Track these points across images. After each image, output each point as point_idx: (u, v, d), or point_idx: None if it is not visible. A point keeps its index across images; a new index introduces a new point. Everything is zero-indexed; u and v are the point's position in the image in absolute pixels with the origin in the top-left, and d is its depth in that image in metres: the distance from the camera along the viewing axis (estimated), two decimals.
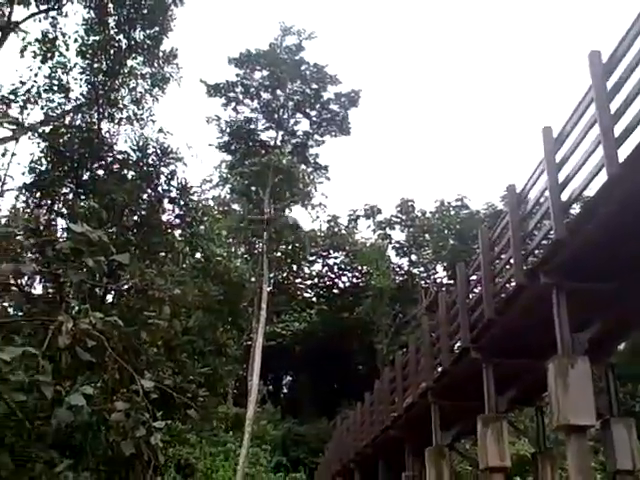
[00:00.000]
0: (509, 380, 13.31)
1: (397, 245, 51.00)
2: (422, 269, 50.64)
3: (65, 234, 20.98)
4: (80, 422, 18.18)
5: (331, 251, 51.89)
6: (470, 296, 14.29)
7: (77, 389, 16.00)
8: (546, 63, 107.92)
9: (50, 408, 16.65)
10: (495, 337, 12.43)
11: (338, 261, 52.66)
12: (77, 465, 15.22)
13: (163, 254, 20.69)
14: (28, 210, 21.64)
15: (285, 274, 49.25)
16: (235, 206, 39.09)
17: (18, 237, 18.81)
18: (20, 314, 26.04)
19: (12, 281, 19.22)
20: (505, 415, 13.27)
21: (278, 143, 39.26)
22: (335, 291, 52.37)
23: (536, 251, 11.55)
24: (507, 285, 12.34)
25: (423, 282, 49.03)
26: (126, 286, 20.14)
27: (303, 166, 37.95)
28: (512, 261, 11.49)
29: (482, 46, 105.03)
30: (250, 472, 29.72)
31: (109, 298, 20.04)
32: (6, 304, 22.02)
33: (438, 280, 48.84)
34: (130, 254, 16.43)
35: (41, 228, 19.91)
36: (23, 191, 22.21)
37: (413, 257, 50.77)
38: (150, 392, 20.41)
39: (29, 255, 17.85)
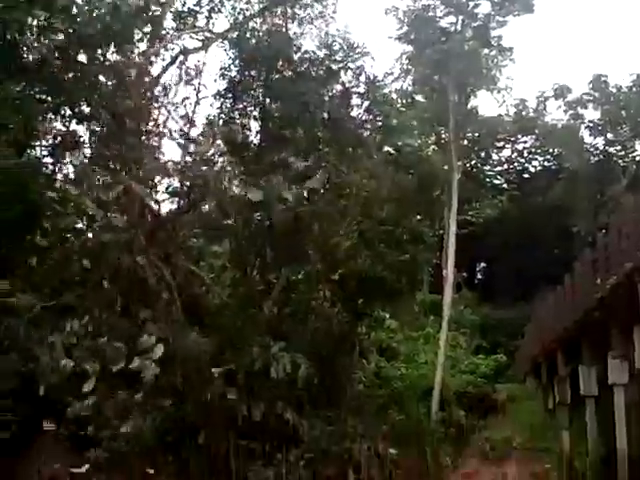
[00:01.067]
0: None
1: (590, 124, 48.31)
2: (619, 148, 47.75)
3: (259, 136, 22.06)
4: (289, 311, 19.53)
5: (519, 135, 50.14)
6: None
7: (282, 281, 17.10)
8: None
9: (260, 298, 18.01)
10: None
11: (527, 145, 50.91)
12: (288, 348, 16.61)
13: (353, 149, 21.12)
14: (223, 115, 22.79)
15: (473, 162, 48.51)
16: (418, 97, 38.63)
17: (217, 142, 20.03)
18: (223, 215, 27.78)
19: (213, 184, 20.65)
20: None
21: (458, 28, 37.81)
22: (525, 176, 50.96)
23: None
24: None
25: (621, 161, 46.46)
26: (316, 186, 20.88)
27: (486, 50, 36.42)
28: None
29: None
30: (451, 355, 30.56)
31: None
32: (207, 206, 23.61)
33: (637, 158, 46.06)
34: (321, 151, 17.05)
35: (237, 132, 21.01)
36: (217, 97, 23.29)
37: (609, 136, 47.90)
38: (350, 280, 21.48)
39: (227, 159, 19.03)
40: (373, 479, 18.03)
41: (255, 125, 22.63)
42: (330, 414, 19.86)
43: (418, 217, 22.38)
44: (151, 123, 20.23)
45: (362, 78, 20.58)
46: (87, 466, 16.28)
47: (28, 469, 16.28)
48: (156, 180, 18.24)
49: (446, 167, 24.22)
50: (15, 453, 16.03)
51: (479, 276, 54.13)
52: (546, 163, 50.68)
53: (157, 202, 17.81)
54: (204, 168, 16.76)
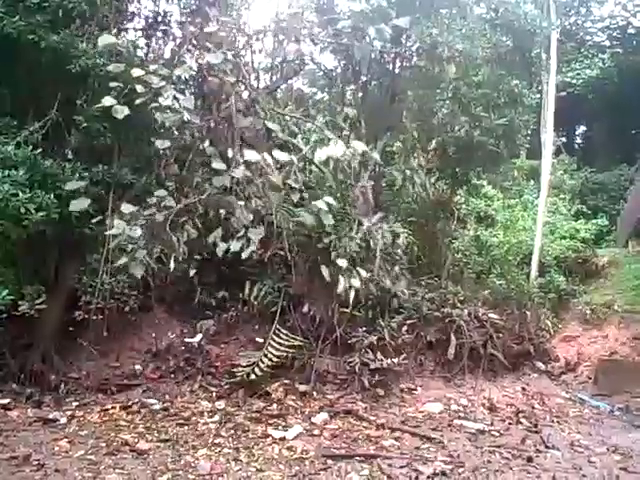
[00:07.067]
0: None
1: None
2: None
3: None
4: (386, 182, 19.44)
5: None
6: None
7: (377, 153, 16.99)
8: None
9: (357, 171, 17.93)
10: None
11: None
12: (387, 218, 16.74)
13: (445, 10, 20.29)
14: None
15: (573, 19, 45.85)
16: None
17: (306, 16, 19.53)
18: (314, 90, 27.49)
19: (307, 59, 20.29)
20: None
21: None
22: (630, 31, 47.68)
23: None
24: None
25: None
26: (413, 49, 20.29)
27: None
28: None
29: None
30: (550, 220, 30.11)
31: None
32: (300, 81, 23.21)
33: None
34: (411, 15, 16.37)
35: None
36: None
37: None
38: (447, 148, 21.19)
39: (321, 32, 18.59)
40: (475, 342, 18.38)
41: None
42: (430, 281, 20.14)
43: (515, 82, 21.53)
44: None
45: None
46: (200, 336, 17.17)
47: (145, 339, 17.28)
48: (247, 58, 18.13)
49: (545, 25, 22.95)
50: (134, 324, 17.02)
51: (579, 140, 52.44)
52: None
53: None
54: (295, 44, 16.47)
